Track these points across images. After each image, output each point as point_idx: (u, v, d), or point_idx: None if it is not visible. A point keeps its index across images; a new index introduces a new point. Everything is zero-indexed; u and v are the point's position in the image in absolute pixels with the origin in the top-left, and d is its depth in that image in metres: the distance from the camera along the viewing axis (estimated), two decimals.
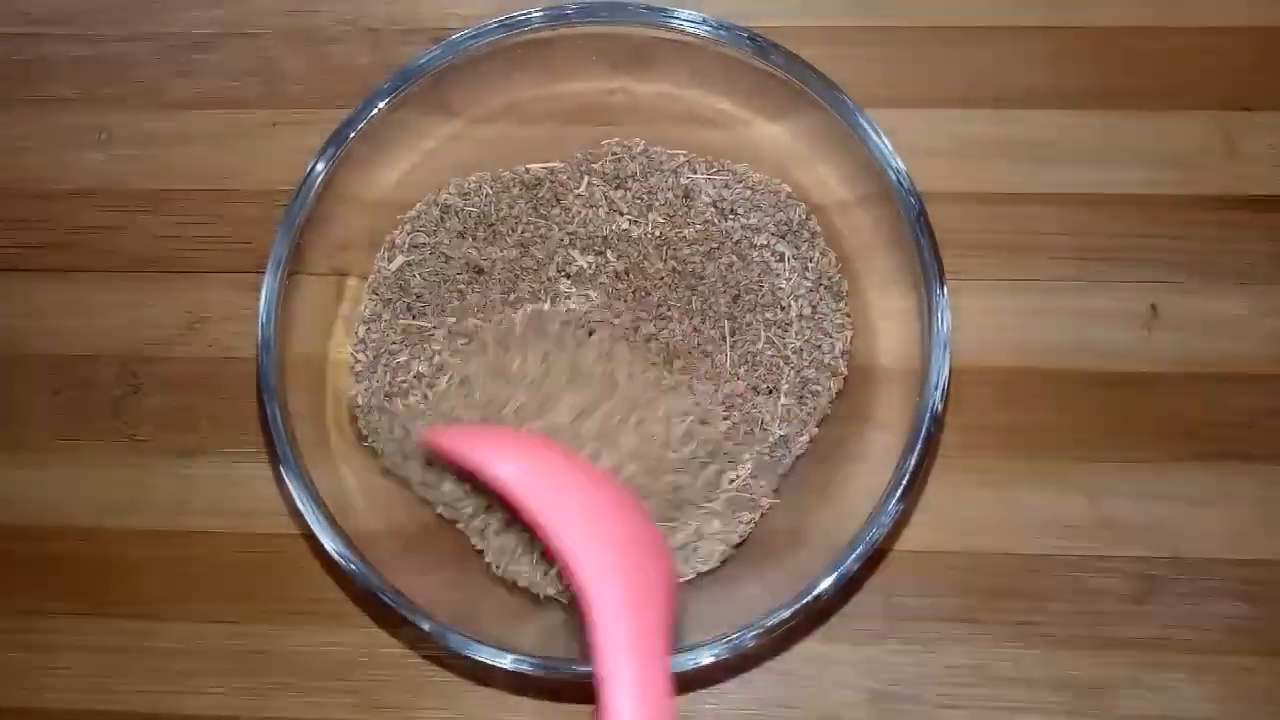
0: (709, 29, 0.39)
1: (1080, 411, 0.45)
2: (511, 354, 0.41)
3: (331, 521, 0.38)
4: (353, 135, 0.39)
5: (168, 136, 0.48)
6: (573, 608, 0.41)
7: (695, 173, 0.44)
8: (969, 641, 0.44)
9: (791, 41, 0.39)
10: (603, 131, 0.45)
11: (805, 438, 0.43)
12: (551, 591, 0.42)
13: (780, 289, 0.43)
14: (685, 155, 0.44)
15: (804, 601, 0.36)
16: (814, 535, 0.41)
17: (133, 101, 0.49)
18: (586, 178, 0.44)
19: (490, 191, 0.44)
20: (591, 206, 0.44)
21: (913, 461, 0.36)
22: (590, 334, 0.42)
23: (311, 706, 0.45)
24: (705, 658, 0.37)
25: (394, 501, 0.43)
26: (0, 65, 0.49)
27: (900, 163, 0.38)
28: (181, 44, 0.49)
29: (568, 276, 0.44)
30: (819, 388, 0.43)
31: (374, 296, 0.44)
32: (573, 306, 0.43)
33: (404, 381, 0.43)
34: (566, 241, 0.44)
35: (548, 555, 0.38)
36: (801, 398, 0.43)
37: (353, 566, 0.37)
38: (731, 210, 0.44)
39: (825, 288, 0.43)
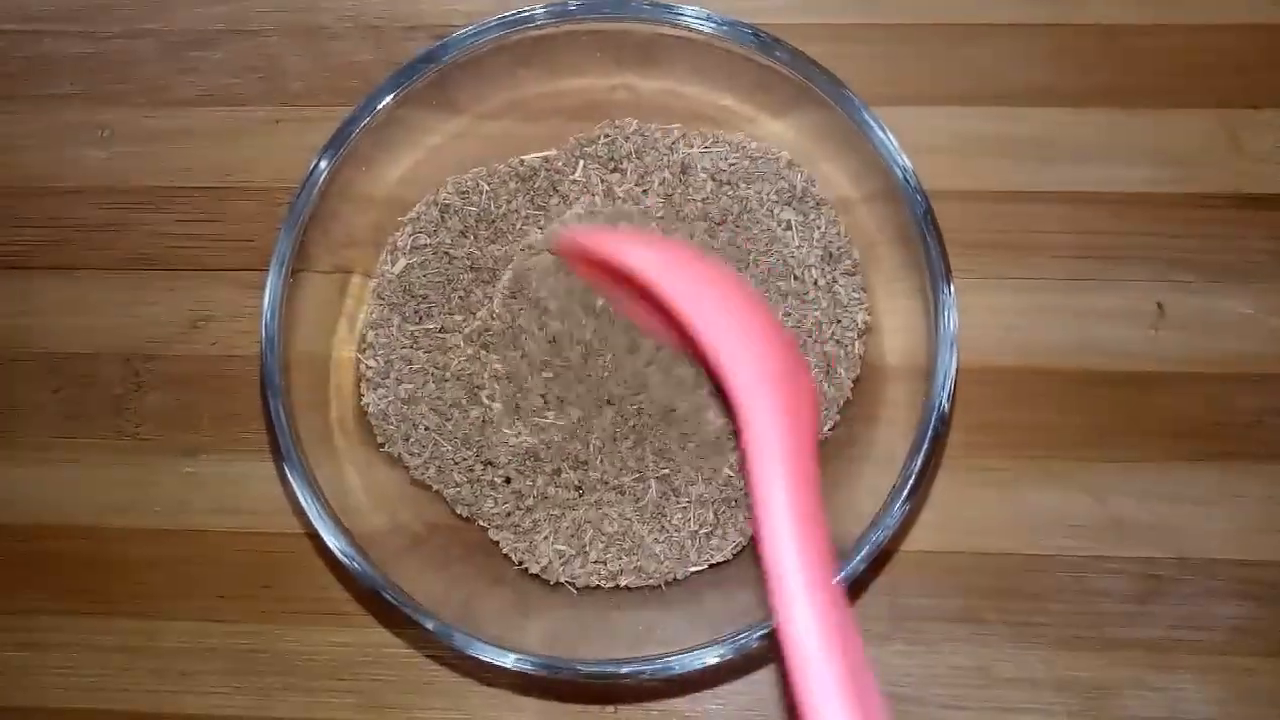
0: (713, 25, 0.39)
1: (1086, 411, 0.45)
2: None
3: (335, 520, 0.37)
4: (356, 132, 0.39)
5: (169, 134, 0.48)
6: (583, 595, 0.42)
7: (691, 147, 0.44)
8: (973, 642, 0.44)
9: (795, 38, 0.39)
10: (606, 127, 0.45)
11: (828, 425, 0.43)
12: (564, 577, 0.42)
13: (792, 257, 0.43)
14: (680, 129, 0.44)
15: None
16: None
17: (134, 99, 0.49)
18: (582, 162, 0.44)
19: (488, 188, 0.44)
20: (589, 192, 0.44)
21: (919, 462, 0.36)
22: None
23: (314, 706, 0.45)
24: (711, 658, 0.36)
25: (397, 500, 0.43)
26: (2, 62, 0.49)
27: (906, 160, 0.38)
28: (183, 41, 0.49)
29: None
30: (841, 370, 0.42)
31: (380, 300, 0.43)
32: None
33: (419, 387, 0.43)
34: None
35: (697, 355, 0.36)
36: (828, 371, 0.42)
37: (356, 565, 0.37)
38: (730, 181, 0.43)
39: (835, 257, 0.43)
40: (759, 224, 0.43)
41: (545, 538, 0.42)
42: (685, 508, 0.42)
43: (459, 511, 0.43)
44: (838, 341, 0.42)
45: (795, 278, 0.43)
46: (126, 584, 0.46)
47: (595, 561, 0.42)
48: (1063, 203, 0.46)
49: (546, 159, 0.44)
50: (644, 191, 0.43)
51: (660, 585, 0.42)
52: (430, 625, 0.37)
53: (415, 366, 0.43)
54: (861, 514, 0.37)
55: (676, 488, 0.42)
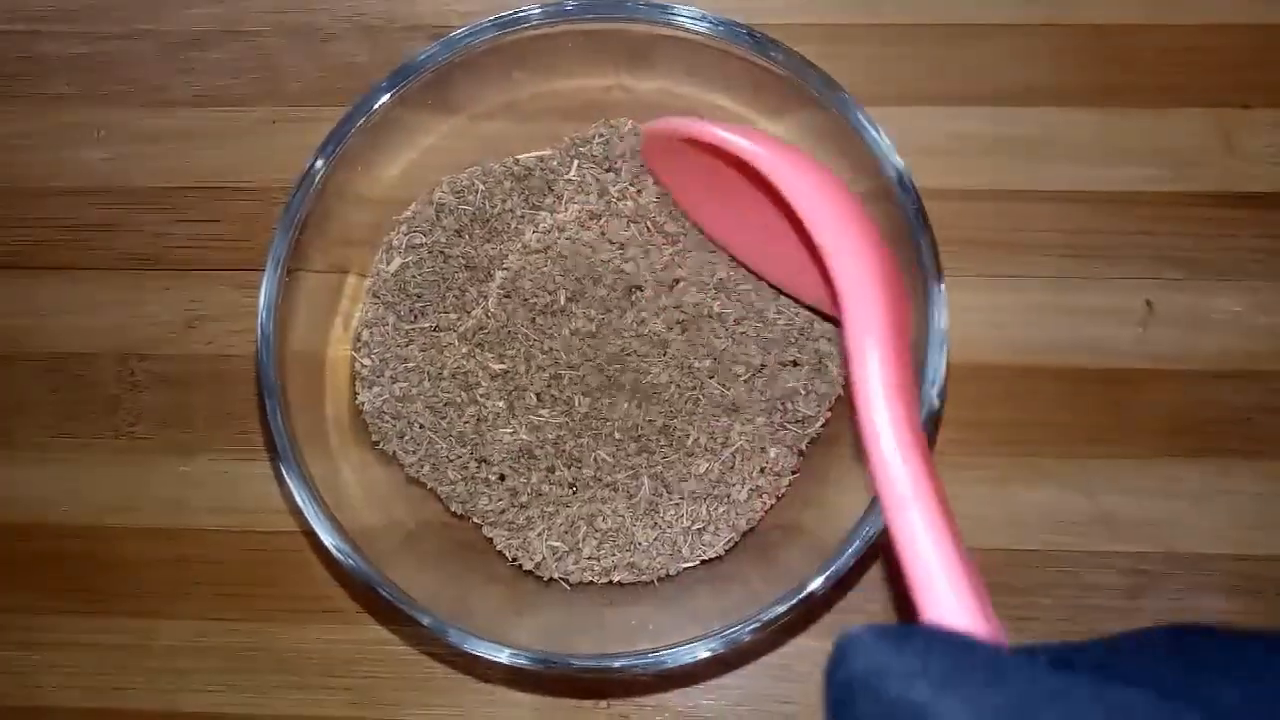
0: (708, 25, 0.39)
1: (1076, 408, 0.45)
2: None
3: (330, 518, 0.38)
4: (352, 132, 0.39)
5: (166, 134, 0.48)
6: (576, 591, 0.42)
7: None
8: None
9: (789, 38, 0.39)
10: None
11: (820, 421, 0.43)
12: (558, 573, 0.42)
13: None
14: None
15: (800, 597, 0.36)
16: (810, 531, 0.41)
17: (131, 99, 0.49)
18: (576, 161, 0.44)
19: (483, 187, 0.44)
20: (584, 191, 0.44)
21: None
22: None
23: (310, 703, 0.45)
24: (702, 652, 0.37)
25: (392, 498, 0.43)
26: None
27: (900, 160, 0.38)
28: (180, 42, 0.49)
29: None
30: (833, 367, 0.43)
31: (375, 299, 0.44)
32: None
33: (414, 385, 0.43)
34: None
35: (807, 247, 0.36)
36: (819, 368, 0.43)
37: (351, 562, 0.37)
38: None
39: None
40: None
41: (539, 534, 0.42)
42: (678, 504, 0.42)
43: (453, 509, 0.43)
44: (830, 339, 0.43)
45: None
46: (123, 583, 0.46)
47: (588, 558, 0.42)
48: (1054, 201, 0.46)
49: (541, 159, 0.45)
50: (638, 191, 0.44)
51: (653, 581, 0.42)
52: (425, 621, 0.37)
53: (410, 365, 0.43)
54: (853, 509, 0.37)
55: (669, 485, 0.42)
